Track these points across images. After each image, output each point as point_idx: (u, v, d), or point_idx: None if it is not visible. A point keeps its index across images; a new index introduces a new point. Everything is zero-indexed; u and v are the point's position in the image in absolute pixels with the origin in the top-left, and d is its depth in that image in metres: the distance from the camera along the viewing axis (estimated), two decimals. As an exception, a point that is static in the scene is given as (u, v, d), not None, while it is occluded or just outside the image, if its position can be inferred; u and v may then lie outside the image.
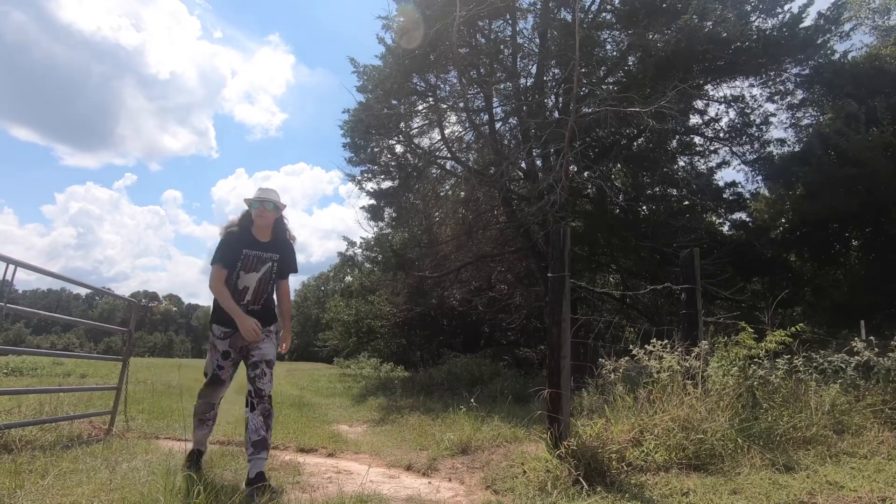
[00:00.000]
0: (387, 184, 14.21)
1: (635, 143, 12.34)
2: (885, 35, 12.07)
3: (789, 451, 3.73)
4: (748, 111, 12.61)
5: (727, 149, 13.14)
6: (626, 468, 3.40)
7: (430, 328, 19.35)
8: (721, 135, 13.06)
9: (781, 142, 12.81)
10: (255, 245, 3.49)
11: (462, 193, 14.60)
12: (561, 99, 11.87)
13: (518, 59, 12.44)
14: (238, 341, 3.41)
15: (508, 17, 11.89)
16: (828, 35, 10.91)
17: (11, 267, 3.84)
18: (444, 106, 12.88)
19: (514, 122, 12.79)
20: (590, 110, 9.74)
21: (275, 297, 3.67)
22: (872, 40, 12.00)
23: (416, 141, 13.66)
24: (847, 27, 11.29)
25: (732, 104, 12.61)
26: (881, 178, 9.73)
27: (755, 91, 12.41)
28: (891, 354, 4.85)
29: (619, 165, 12.66)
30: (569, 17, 11.45)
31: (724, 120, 13.00)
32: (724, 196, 13.05)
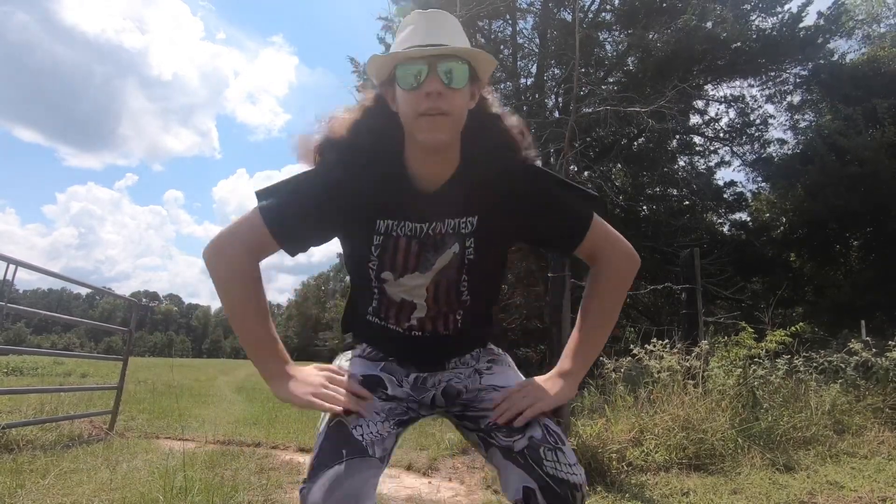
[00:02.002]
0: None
1: (635, 143, 12.35)
2: (878, 42, 12.14)
3: (789, 451, 3.73)
4: (748, 111, 12.63)
5: (727, 149, 13.16)
6: (626, 468, 3.40)
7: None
8: (721, 135, 13.08)
9: (781, 142, 12.84)
10: (410, 204, 1.09)
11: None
12: (561, 99, 11.88)
13: (518, 59, 12.45)
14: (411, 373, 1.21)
15: (508, 17, 11.90)
16: (828, 35, 10.92)
17: (12, 267, 3.84)
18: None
19: (515, 121, 12.79)
20: (590, 110, 9.74)
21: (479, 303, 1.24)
22: (865, 49, 12.12)
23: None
24: (848, 25, 11.30)
25: (732, 104, 12.63)
26: (882, 177, 9.73)
27: (755, 91, 12.44)
28: (889, 354, 4.85)
29: (619, 165, 12.67)
30: (569, 17, 11.45)
31: (724, 120, 13.03)
32: (725, 196, 13.07)
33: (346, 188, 1.05)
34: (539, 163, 1.17)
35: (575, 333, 1.15)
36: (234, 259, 1.05)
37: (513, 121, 1.13)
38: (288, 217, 1.06)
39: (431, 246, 1.08)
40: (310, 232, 1.11)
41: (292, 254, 1.11)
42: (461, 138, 1.05)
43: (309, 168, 1.11)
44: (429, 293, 1.11)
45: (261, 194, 1.09)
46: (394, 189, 1.06)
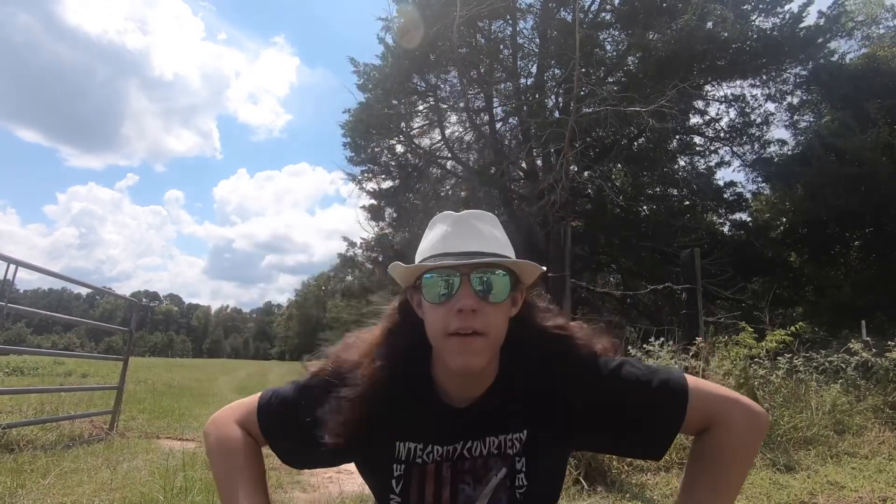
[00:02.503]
0: (387, 184, 14.25)
1: (635, 143, 12.36)
2: (877, 42, 12.17)
3: (790, 451, 3.73)
4: (748, 111, 12.63)
5: (727, 149, 13.16)
6: (626, 468, 3.40)
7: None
8: (721, 135, 13.08)
9: (782, 142, 12.84)
10: (438, 422, 0.90)
11: (463, 193, 14.60)
12: (561, 99, 11.88)
13: (518, 59, 12.46)
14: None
15: (508, 17, 11.91)
16: (828, 35, 10.93)
17: (13, 266, 3.85)
18: (445, 106, 12.90)
19: (515, 121, 12.81)
20: (590, 110, 9.75)
21: None
22: (865, 50, 12.14)
23: (416, 141, 13.68)
24: (848, 27, 11.31)
25: (733, 104, 12.63)
26: (881, 177, 9.74)
27: (755, 91, 12.44)
28: (889, 355, 4.85)
29: (619, 165, 12.67)
30: (569, 17, 11.46)
31: (725, 120, 13.04)
32: (725, 196, 13.08)
33: (357, 406, 0.86)
34: (612, 359, 0.91)
35: None
36: (226, 427, 0.92)
37: (566, 324, 0.94)
38: (281, 435, 0.91)
39: (469, 472, 0.86)
40: (307, 452, 0.92)
41: (287, 463, 0.96)
42: (501, 349, 0.87)
43: (302, 388, 0.94)
44: None
45: (263, 397, 0.95)
46: (417, 405, 0.88)
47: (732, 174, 37.71)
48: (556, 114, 11.57)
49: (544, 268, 0.88)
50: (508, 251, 0.87)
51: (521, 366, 0.89)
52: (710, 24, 9.88)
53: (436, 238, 0.87)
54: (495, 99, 12.70)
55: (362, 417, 0.85)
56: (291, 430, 0.89)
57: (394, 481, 0.87)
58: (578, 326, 0.94)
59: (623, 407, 0.85)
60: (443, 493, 0.85)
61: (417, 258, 0.89)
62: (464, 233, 0.85)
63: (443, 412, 0.88)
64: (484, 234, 0.86)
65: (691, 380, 0.86)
